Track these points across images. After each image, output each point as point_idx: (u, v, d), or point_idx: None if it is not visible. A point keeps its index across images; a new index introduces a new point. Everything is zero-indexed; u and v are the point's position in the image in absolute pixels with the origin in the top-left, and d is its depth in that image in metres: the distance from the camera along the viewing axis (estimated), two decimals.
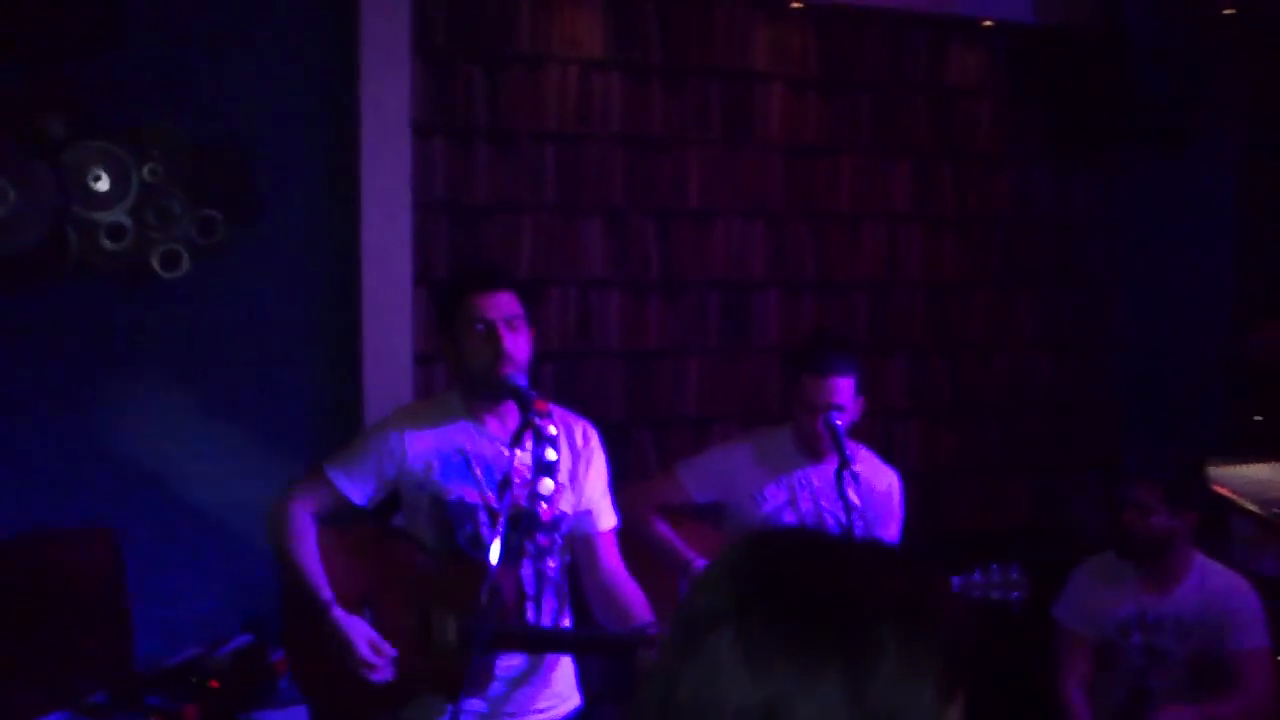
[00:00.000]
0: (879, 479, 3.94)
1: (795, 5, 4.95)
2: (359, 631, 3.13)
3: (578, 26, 4.68)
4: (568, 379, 4.71)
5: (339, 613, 3.13)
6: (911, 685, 1.09)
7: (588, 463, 3.37)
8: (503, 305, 3.17)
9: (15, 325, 3.99)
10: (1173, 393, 5.51)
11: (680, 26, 4.82)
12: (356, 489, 3.22)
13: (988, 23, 5.25)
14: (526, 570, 3.24)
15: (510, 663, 3.18)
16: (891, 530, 3.95)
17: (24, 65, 3.89)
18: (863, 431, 4.93)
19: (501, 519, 2.96)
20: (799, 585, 1.12)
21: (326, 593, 3.16)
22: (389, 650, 3.14)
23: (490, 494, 3.14)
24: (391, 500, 3.36)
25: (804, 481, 3.87)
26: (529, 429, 3.05)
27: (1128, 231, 5.56)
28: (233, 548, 4.14)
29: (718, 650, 1.09)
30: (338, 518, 3.32)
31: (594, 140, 4.72)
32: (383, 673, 3.13)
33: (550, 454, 3.16)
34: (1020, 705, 4.21)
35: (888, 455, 4.94)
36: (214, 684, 3.26)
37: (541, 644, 3.23)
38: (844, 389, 3.73)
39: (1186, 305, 5.59)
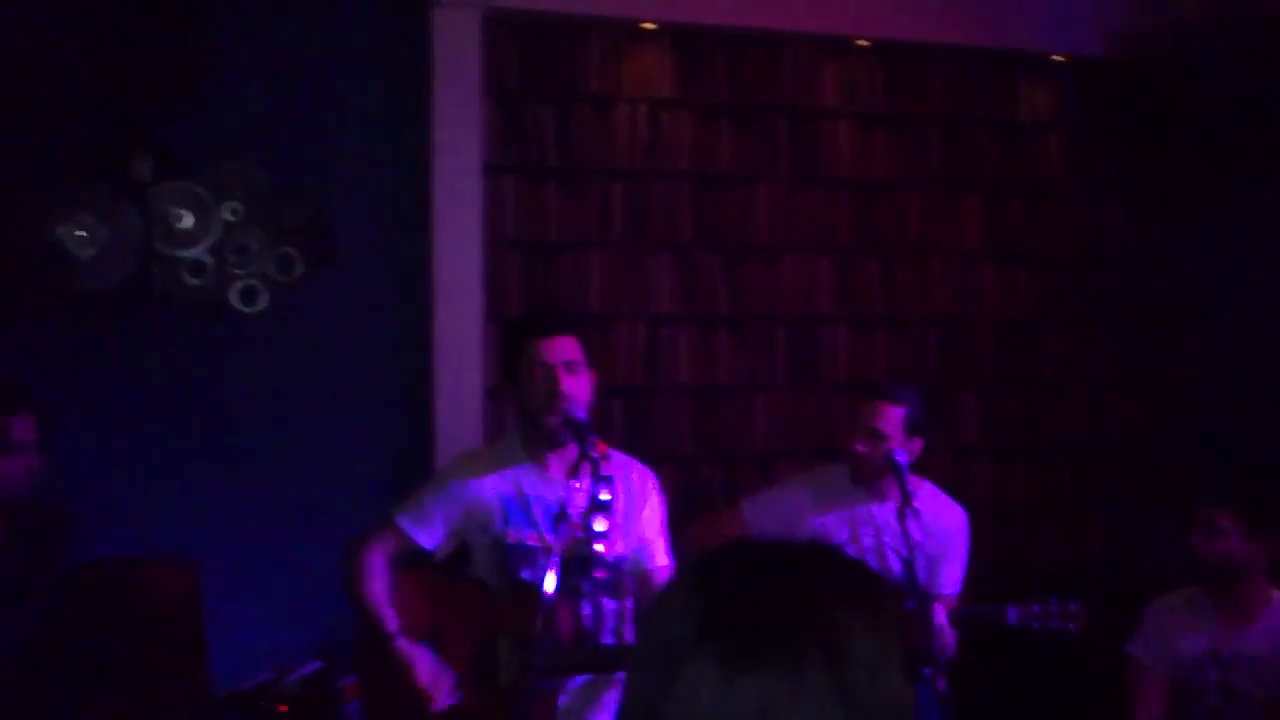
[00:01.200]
0: (944, 515, 3.93)
1: (861, 43, 4.99)
2: (420, 659, 3.22)
3: (647, 66, 4.77)
4: (636, 415, 4.76)
5: (402, 642, 3.23)
6: (883, 665, 1.13)
7: (643, 505, 3.42)
8: (562, 349, 3.25)
9: (101, 358, 4.15)
10: (1250, 430, 5.42)
11: (748, 65, 4.89)
12: (425, 535, 3.33)
13: (1057, 57, 5.25)
14: (585, 609, 3.30)
15: (567, 699, 3.24)
16: (956, 566, 3.94)
17: (113, 112, 4.06)
18: (933, 467, 4.94)
19: (555, 551, 3.01)
20: (760, 594, 1.15)
21: (391, 625, 3.26)
22: (450, 676, 3.21)
23: (549, 536, 3.21)
24: (464, 550, 3.46)
25: (866, 518, 3.87)
26: (586, 460, 3.11)
27: (1202, 267, 5.49)
28: (304, 578, 4.23)
29: (698, 676, 1.11)
30: (408, 562, 3.42)
31: (662, 178, 4.79)
32: (442, 700, 3.20)
33: (605, 495, 3.22)
34: None
35: (960, 492, 4.93)
36: (283, 708, 3.35)
37: (598, 664, 3.28)
38: (891, 416, 3.75)
39: (1264, 341, 5.50)
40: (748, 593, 1.15)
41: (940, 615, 3.55)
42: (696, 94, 4.82)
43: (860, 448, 3.76)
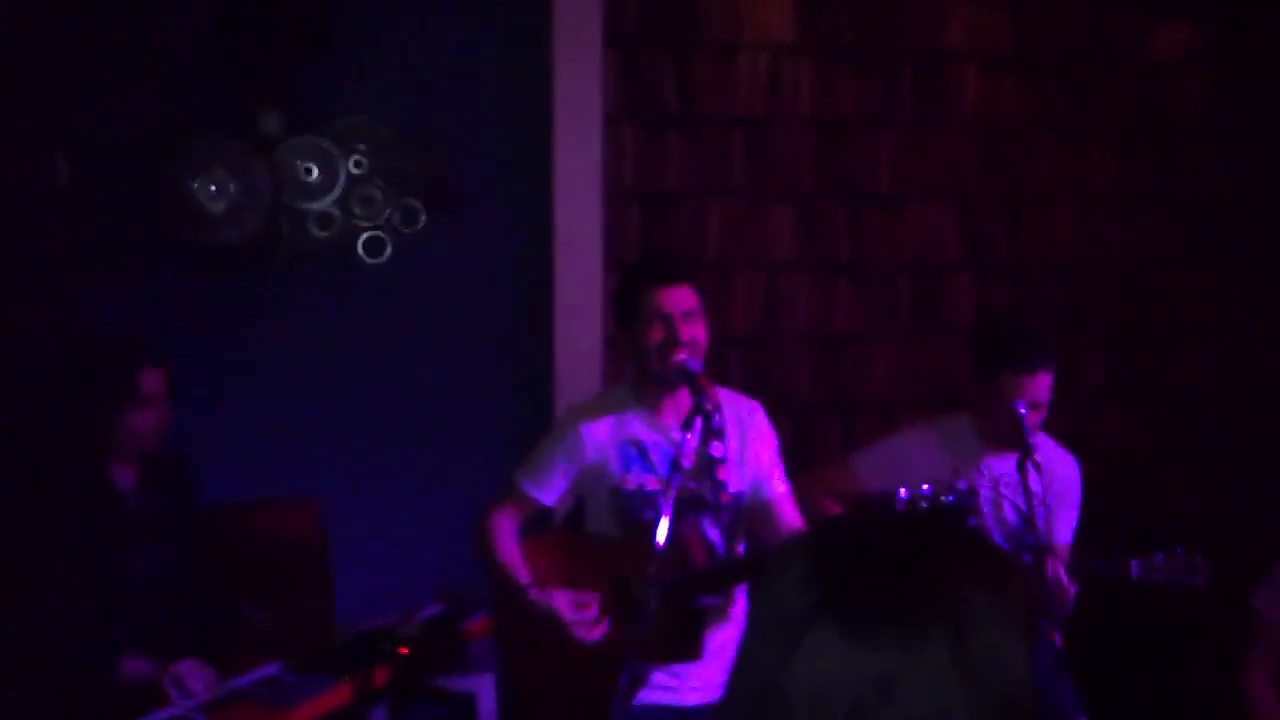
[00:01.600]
0: (1060, 465, 3.89)
1: None
2: (560, 599, 3.27)
3: (767, 11, 4.70)
4: (755, 363, 4.76)
5: (536, 592, 3.29)
6: (1005, 636, 1.13)
7: (755, 437, 3.45)
8: (680, 299, 3.26)
9: (231, 309, 4.28)
10: None
11: (871, 8, 4.79)
12: (547, 492, 3.39)
13: None
14: (713, 534, 3.33)
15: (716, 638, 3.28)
16: (1070, 516, 3.90)
17: (241, 68, 4.14)
18: (1057, 417, 4.86)
19: (671, 495, 3.03)
20: (883, 566, 1.15)
21: (525, 577, 3.32)
22: (591, 609, 3.26)
23: (667, 479, 3.24)
24: (578, 509, 3.52)
25: (985, 470, 3.84)
26: (700, 413, 3.13)
27: None
28: (429, 522, 4.34)
29: (821, 645, 1.11)
30: (533, 525, 3.50)
31: (783, 125, 4.74)
32: (591, 631, 3.25)
33: (717, 423, 3.25)
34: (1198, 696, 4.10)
35: (1084, 442, 4.85)
36: (403, 650, 3.44)
37: (727, 577, 3.31)
38: (1046, 384, 3.68)
39: None
40: (870, 564, 1.15)
41: (1058, 570, 3.51)
42: (818, 39, 4.75)
43: (1028, 417, 3.64)
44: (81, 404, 3.42)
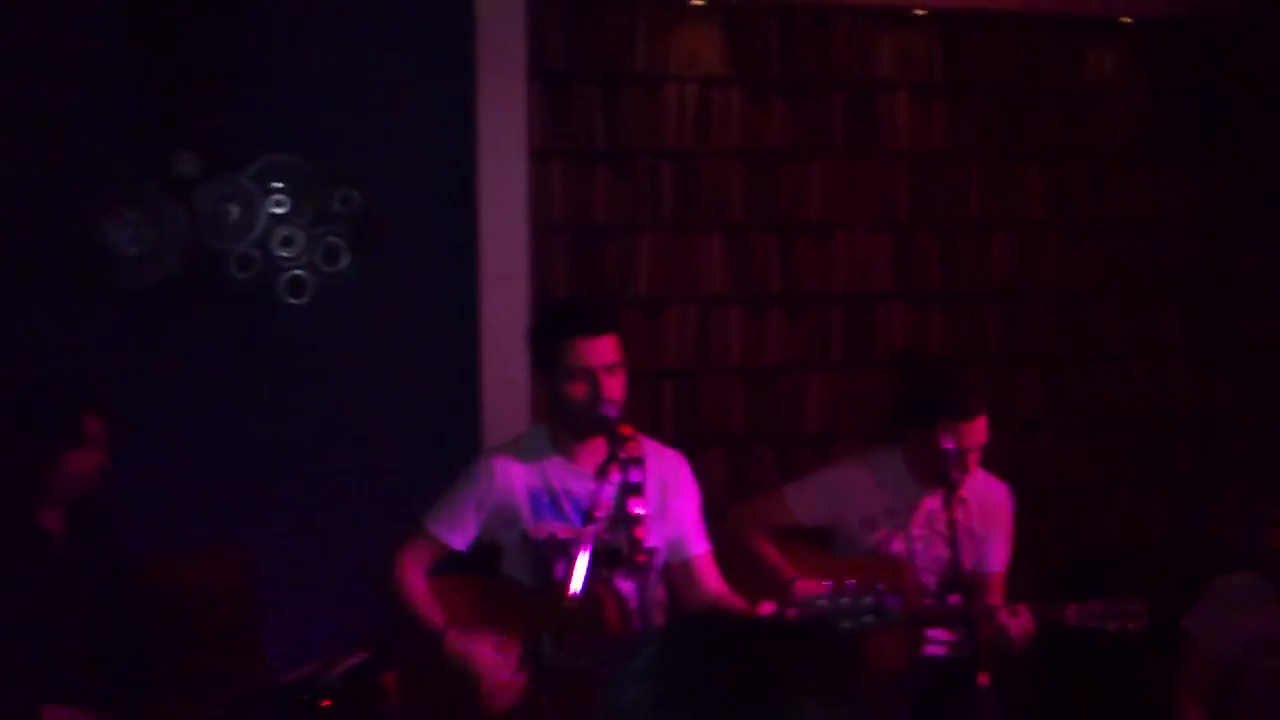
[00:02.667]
0: (989, 495, 3.88)
1: (919, 12, 4.85)
2: (480, 643, 3.19)
3: (696, 43, 4.68)
4: (687, 397, 4.72)
5: (454, 635, 3.21)
6: None
7: (677, 493, 3.39)
8: (604, 351, 3.20)
9: (150, 352, 4.19)
10: None
11: (800, 38, 4.77)
12: (456, 536, 3.33)
13: (1124, 20, 5.05)
14: (628, 589, 3.28)
15: None
16: (1002, 544, 3.89)
17: (155, 108, 4.07)
18: (994, 444, 4.84)
19: (586, 546, 2.99)
20: (719, 672, 1.14)
21: (440, 621, 3.25)
22: (515, 651, 3.18)
23: (579, 528, 3.19)
24: (494, 550, 3.46)
25: (918, 505, 3.82)
26: (614, 462, 3.09)
27: (1276, 234, 5.28)
28: (354, 566, 4.26)
29: None
30: (443, 567, 3.43)
31: (713, 157, 4.71)
32: (507, 695, 3.17)
33: (637, 477, 3.20)
34: None
35: (1021, 470, 4.85)
36: (325, 702, 3.37)
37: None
38: (984, 426, 3.68)
39: None
40: (710, 668, 1.15)
41: (1003, 618, 3.48)
42: (747, 70, 4.72)
43: (970, 457, 3.63)
44: (20, 446, 3.41)
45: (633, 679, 1.16)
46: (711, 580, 3.42)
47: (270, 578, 4.19)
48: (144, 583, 3.83)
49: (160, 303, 4.13)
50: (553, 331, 3.29)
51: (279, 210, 4.21)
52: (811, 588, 3.58)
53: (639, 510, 3.18)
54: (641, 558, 3.25)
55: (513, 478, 3.30)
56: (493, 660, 3.18)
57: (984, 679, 3.34)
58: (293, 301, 4.25)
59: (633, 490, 3.19)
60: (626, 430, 3.25)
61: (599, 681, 3.11)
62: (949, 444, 3.59)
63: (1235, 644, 3.74)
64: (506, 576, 3.41)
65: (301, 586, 4.25)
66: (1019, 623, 3.47)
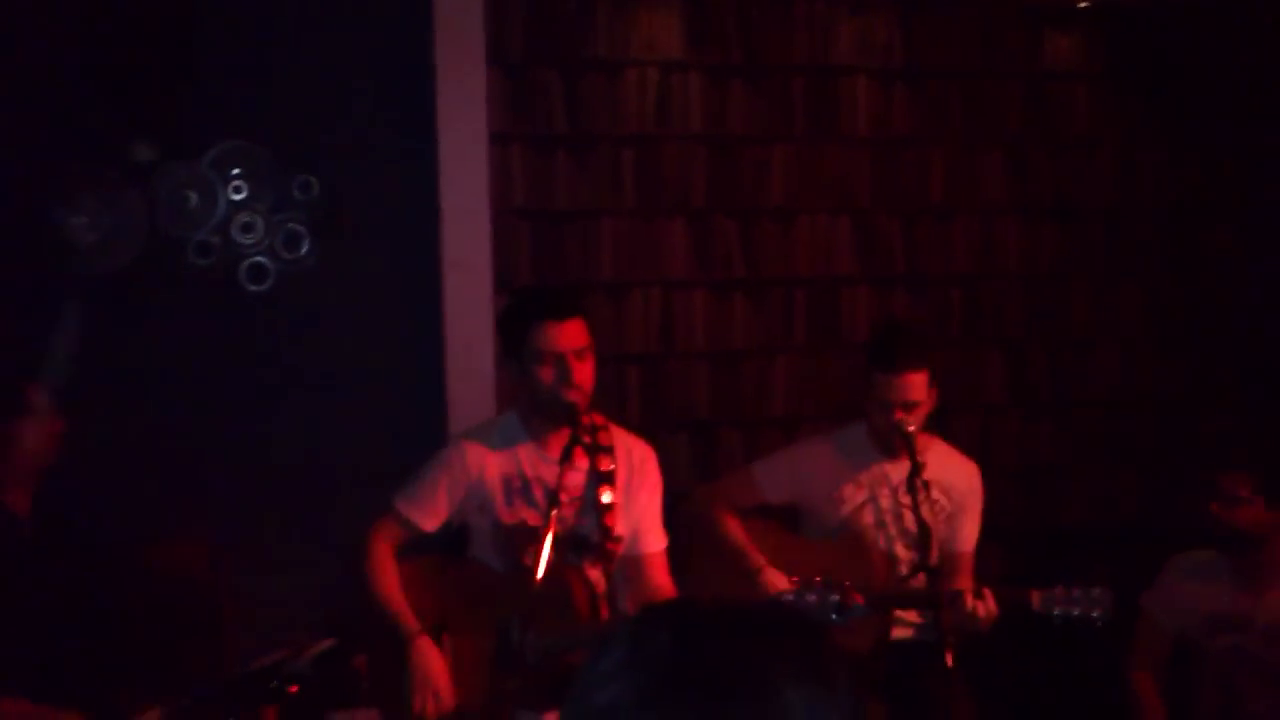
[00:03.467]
0: (958, 473, 3.89)
1: None
2: (435, 668, 3.20)
3: (655, 27, 4.67)
4: (652, 382, 4.72)
5: (423, 644, 3.22)
6: None
7: (642, 485, 3.41)
8: (571, 336, 3.22)
9: (109, 341, 4.16)
10: None
11: (760, 23, 4.77)
12: (428, 518, 3.34)
13: (1082, 3, 5.08)
14: (595, 572, 3.29)
15: None
16: (971, 522, 3.90)
17: (112, 95, 4.04)
18: (959, 428, 4.87)
19: (549, 533, 3.00)
20: (701, 665, 1.11)
21: (412, 624, 3.26)
22: (451, 696, 3.20)
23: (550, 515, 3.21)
24: (464, 533, 3.46)
25: (882, 478, 3.83)
26: (576, 445, 3.10)
27: (1236, 216, 5.33)
28: (319, 554, 4.25)
29: None
30: (414, 547, 3.43)
31: (674, 141, 4.71)
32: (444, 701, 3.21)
33: (608, 465, 3.22)
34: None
35: (986, 452, 4.86)
36: (293, 688, 3.36)
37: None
38: (917, 384, 3.67)
39: None
40: (692, 661, 1.12)
41: (968, 600, 3.49)
42: (707, 55, 4.72)
43: (901, 419, 3.63)
44: None
45: (606, 677, 1.12)
46: (661, 579, 3.44)
47: (236, 565, 4.17)
48: (109, 570, 3.81)
49: (120, 290, 4.11)
50: (520, 317, 3.32)
51: (238, 197, 4.19)
52: (779, 581, 3.60)
53: (609, 498, 3.21)
54: (612, 545, 3.27)
55: (485, 464, 3.32)
56: (425, 695, 3.20)
57: (950, 660, 3.34)
58: (254, 288, 4.23)
59: (604, 478, 3.22)
60: (598, 419, 3.30)
61: (567, 668, 3.12)
62: (886, 401, 3.59)
63: (1188, 619, 3.77)
64: (475, 559, 3.41)
65: (267, 574, 4.23)
66: (984, 606, 3.48)
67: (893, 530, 3.83)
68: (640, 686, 1.10)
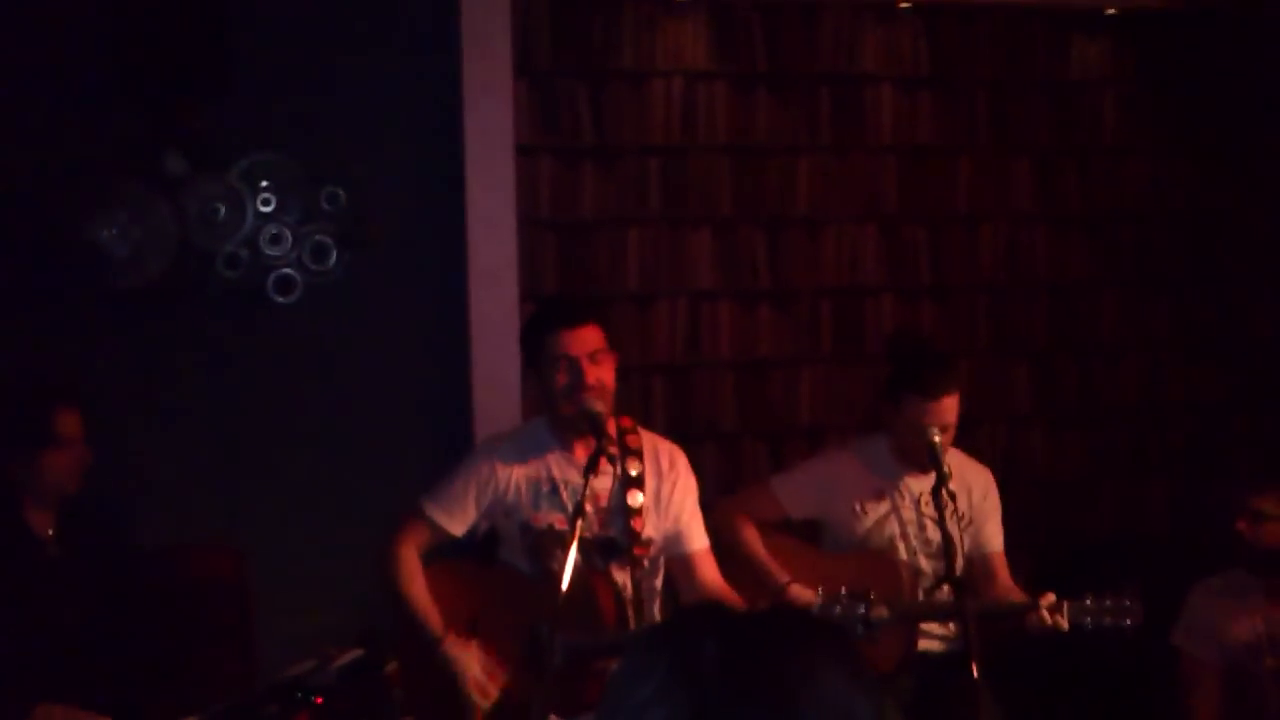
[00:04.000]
0: (975, 481, 3.88)
1: (904, 5, 4.86)
2: (472, 658, 3.23)
3: (681, 39, 4.68)
4: (678, 391, 4.73)
5: (450, 644, 3.24)
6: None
7: (673, 485, 3.41)
8: (585, 340, 3.26)
9: (141, 353, 4.20)
10: None
11: (785, 33, 4.78)
12: (455, 521, 3.37)
13: (1110, 10, 5.06)
14: (622, 577, 3.31)
15: None
16: (995, 523, 3.89)
17: (143, 107, 4.07)
18: (986, 438, 4.85)
19: (574, 538, 3.02)
20: (758, 678, 1.11)
21: (438, 627, 3.28)
22: (500, 674, 3.23)
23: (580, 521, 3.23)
24: (494, 537, 3.48)
25: (904, 491, 3.82)
26: (602, 455, 3.12)
27: (1266, 225, 5.29)
28: (349, 563, 4.27)
29: None
30: (441, 551, 3.45)
31: (700, 151, 4.72)
32: (486, 699, 3.23)
33: (635, 469, 3.24)
34: None
35: (1012, 463, 4.86)
36: (319, 699, 3.37)
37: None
38: (953, 407, 3.67)
39: None
40: (747, 674, 1.11)
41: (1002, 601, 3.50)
42: (733, 65, 4.73)
43: (933, 440, 3.61)
44: None
45: (655, 701, 1.11)
46: (710, 576, 3.45)
47: (264, 575, 4.19)
48: (138, 582, 3.83)
49: (149, 302, 4.13)
50: (537, 328, 3.36)
51: (266, 209, 4.21)
52: (805, 596, 3.60)
53: (637, 502, 3.23)
54: (639, 550, 3.29)
55: (514, 467, 3.35)
56: (479, 676, 3.24)
57: (976, 672, 3.33)
58: (281, 300, 4.25)
59: (632, 482, 3.25)
60: (625, 422, 3.33)
61: (595, 673, 3.13)
62: (922, 424, 3.58)
63: (1230, 648, 3.71)
64: (504, 563, 3.43)
65: (295, 584, 4.25)
66: (1055, 616, 3.47)
67: (915, 543, 3.82)
68: (696, 704, 1.09)
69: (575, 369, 3.23)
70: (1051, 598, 3.50)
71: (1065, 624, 3.47)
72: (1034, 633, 3.50)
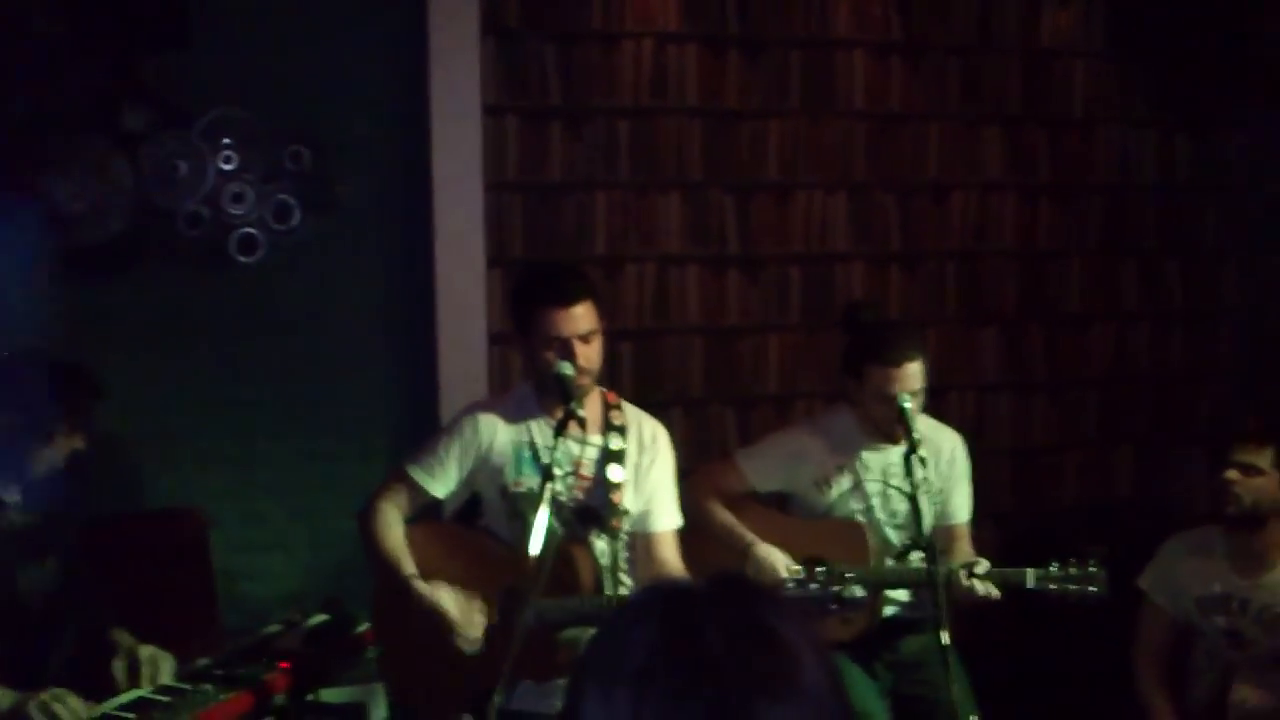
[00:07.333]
0: (943, 445, 3.85)
1: None
2: (445, 596, 3.19)
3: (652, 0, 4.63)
4: (646, 357, 4.69)
5: (421, 584, 3.20)
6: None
7: (652, 461, 3.40)
8: (578, 320, 3.21)
9: (99, 311, 4.11)
10: None
11: None
12: (437, 483, 3.34)
13: None
14: (601, 545, 3.29)
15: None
16: (964, 492, 3.87)
17: (103, 63, 3.98)
18: (954, 405, 4.85)
19: (545, 502, 2.98)
20: (751, 654, 1.15)
21: (410, 567, 3.25)
22: (479, 611, 3.19)
23: (560, 486, 3.23)
24: (475, 507, 3.44)
25: (869, 462, 3.79)
26: (572, 418, 3.09)
27: (1236, 193, 5.31)
28: (312, 527, 4.23)
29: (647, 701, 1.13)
30: (423, 514, 3.41)
31: (670, 114, 4.67)
32: (471, 642, 3.19)
33: (617, 443, 3.23)
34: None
35: (980, 430, 4.85)
36: (285, 664, 3.32)
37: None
38: (916, 373, 3.63)
39: None
40: (719, 630, 1.15)
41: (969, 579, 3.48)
42: (704, 27, 4.68)
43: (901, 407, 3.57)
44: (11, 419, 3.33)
45: (634, 644, 1.15)
46: (669, 556, 3.43)
47: (227, 539, 4.13)
48: (98, 548, 3.77)
49: (109, 261, 4.06)
50: (529, 299, 3.30)
51: (228, 167, 4.13)
52: (771, 553, 3.59)
53: (618, 477, 3.20)
54: (618, 522, 3.27)
55: (497, 431, 3.32)
56: (455, 613, 3.18)
57: (946, 638, 3.32)
58: (244, 260, 4.18)
59: (613, 457, 3.23)
60: (610, 397, 3.30)
61: (567, 640, 3.11)
62: (888, 392, 3.56)
63: (1187, 602, 3.74)
64: (484, 528, 3.41)
65: (259, 548, 4.20)
66: (983, 585, 3.47)
67: (880, 514, 3.79)
68: (684, 678, 1.13)
69: (567, 350, 3.20)
70: (985, 564, 3.49)
71: (996, 592, 3.46)
72: (964, 604, 3.48)
